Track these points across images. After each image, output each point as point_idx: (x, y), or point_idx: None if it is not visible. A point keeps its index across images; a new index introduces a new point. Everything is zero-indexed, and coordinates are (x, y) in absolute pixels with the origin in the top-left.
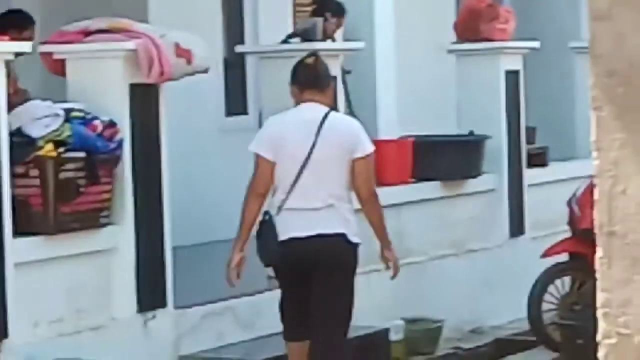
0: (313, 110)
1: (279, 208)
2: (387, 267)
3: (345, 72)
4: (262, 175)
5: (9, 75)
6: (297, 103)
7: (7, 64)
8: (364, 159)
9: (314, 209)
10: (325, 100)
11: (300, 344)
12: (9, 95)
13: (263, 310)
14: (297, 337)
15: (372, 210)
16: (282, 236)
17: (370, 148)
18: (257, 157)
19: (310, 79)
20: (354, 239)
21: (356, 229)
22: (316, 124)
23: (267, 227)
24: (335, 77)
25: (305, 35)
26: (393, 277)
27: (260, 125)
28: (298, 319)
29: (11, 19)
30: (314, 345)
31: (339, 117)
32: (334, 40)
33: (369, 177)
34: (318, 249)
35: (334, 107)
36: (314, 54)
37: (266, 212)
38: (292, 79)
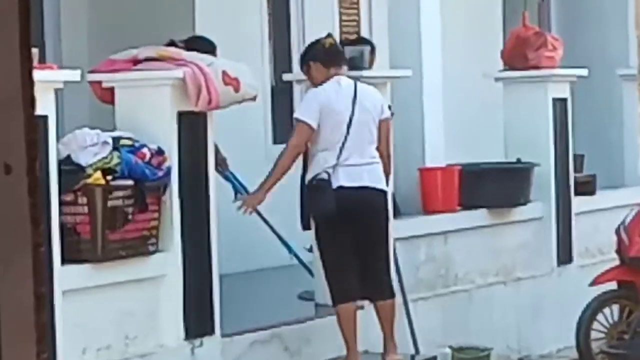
0: (345, 81)
1: (335, 165)
2: None
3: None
4: (304, 139)
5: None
6: (321, 79)
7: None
8: (387, 121)
9: (359, 164)
10: (344, 73)
11: (354, 305)
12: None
13: (311, 337)
14: (355, 296)
15: (387, 165)
16: (333, 186)
17: (389, 112)
18: (303, 123)
19: (334, 57)
20: (386, 189)
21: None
22: (351, 93)
23: (326, 182)
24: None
25: (353, 63)
26: None
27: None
28: (354, 269)
29: (195, 45)
30: (365, 276)
31: (365, 87)
32: None
33: (389, 136)
34: (364, 200)
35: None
36: (329, 35)
37: (325, 172)
38: (314, 57)
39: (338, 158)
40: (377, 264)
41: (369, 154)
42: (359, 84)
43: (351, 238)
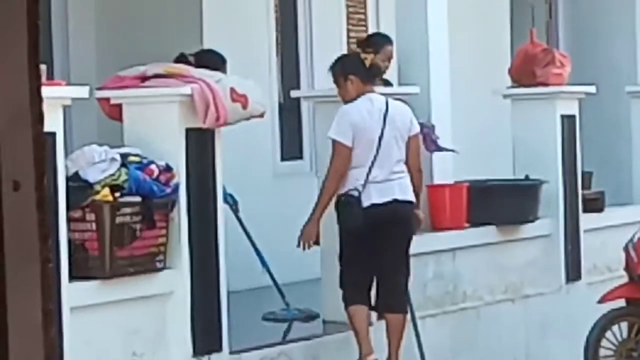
0: (377, 99)
1: (365, 182)
2: None
3: None
4: (344, 160)
5: None
6: (355, 94)
7: None
8: (416, 137)
9: (389, 180)
10: (374, 90)
11: (366, 307)
12: None
13: (318, 355)
14: (366, 300)
15: (418, 179)
16: (365, 204)
17: (419, 128)
18: (339, 144)
19: (371, 75)
20: (413, 200)
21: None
22: (382, 111)
23: (355, 199)
24: None
25: None
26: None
27: (313, 169)
28: (369, 283)
29: (205, 59)
30: (382, 287)
31: (396, 104)
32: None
33: (419, 152)
34: (394, 212)
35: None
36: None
37: (355, 189)
38: (356, 72)
39: (368, 175)
40: (398, 277)
41: (398, 169)
42: (390, 102)
43: (376, 253)
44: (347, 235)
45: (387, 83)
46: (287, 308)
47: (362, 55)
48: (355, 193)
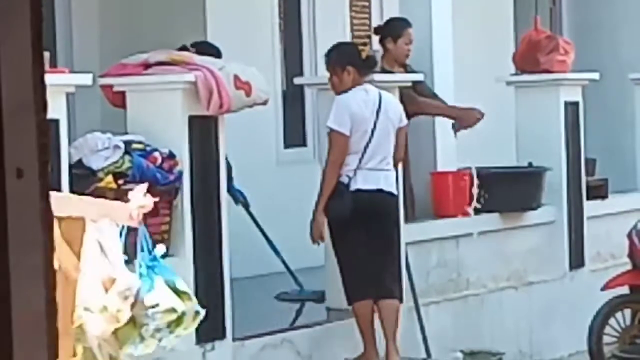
0: (371, 90)
1: (356, 169)
2: None
3: None
4: (343, 150)
5: None
6: (349, 85)
7: None
8: (404, 128)
9: (376, 169)
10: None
11: (371, 302)
12: None
13: (321, 342)
14: (371, 294)
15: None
16: (351, 188)
17: (407, 121)
18: (337, 133)
19: (370, 67)
20: (397, 193)
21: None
22: (376, 102)
23: (344, 186)
24: None
25: None
26: None
27: (317, 156)
28: (368, 275)
29: (203, 50)
30: (374, 278)
31: (388, 95)
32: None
33: (404, 143)
34: (378, 202)
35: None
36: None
37: (346, 176)
38: (353, 63)
39: (359, 162)
40: (386, 264)
41: (386, 160)
42: (383, 93)
43: (365, 238)
44: (337, 224)
45: (408, 69)
46: (300, 289)
47: (360, 49)
48: (345, 180)
